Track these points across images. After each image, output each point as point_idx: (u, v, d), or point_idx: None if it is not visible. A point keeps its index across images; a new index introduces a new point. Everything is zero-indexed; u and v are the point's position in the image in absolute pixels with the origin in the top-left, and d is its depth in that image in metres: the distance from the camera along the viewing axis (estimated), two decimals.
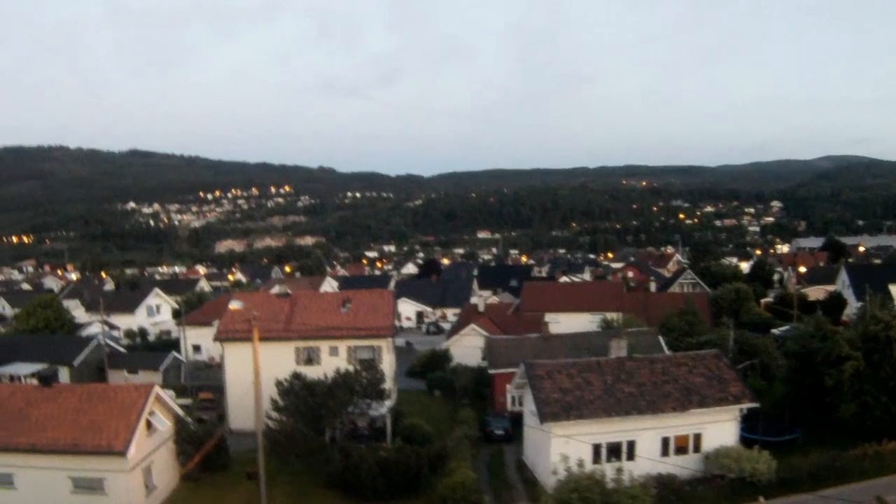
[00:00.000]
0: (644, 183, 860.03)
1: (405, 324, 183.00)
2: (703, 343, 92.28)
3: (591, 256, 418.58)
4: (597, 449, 60.50)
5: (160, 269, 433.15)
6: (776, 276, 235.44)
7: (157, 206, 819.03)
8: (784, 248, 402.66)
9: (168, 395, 70.65)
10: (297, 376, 74.47)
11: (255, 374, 54.08)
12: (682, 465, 61.84)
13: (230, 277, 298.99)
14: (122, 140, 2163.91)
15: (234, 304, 66.96)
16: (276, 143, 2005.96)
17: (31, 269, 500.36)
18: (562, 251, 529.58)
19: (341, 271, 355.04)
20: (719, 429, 64.15)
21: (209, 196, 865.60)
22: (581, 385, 64.13)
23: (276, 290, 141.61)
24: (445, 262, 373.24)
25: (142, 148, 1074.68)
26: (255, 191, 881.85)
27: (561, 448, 58.55)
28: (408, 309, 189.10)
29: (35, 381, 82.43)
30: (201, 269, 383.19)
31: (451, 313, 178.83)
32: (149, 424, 62.84)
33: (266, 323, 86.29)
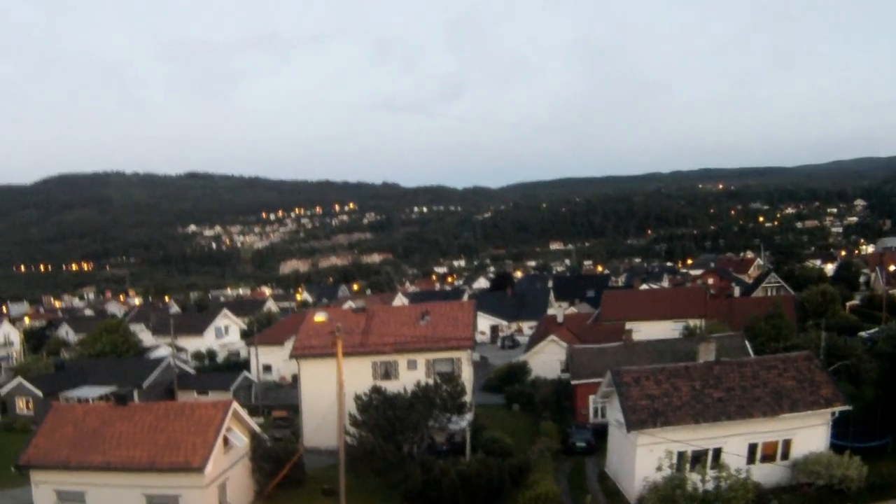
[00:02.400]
0: (720, 186, 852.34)
1: (479, 338, 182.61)
2: (792, 347, 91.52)
3: (669, 264, 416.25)
4: (682, 457, 60.44)
5: (225, 292, 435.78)
6: (862, 278, 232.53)
7: (218, 229, 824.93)
8: (869, 249, 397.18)
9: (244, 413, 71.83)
10: (376, 390, 75.37)
11: (338, 386, 55.01)
12: (768, 473, 61.60)
13: (297, 297, 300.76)
14: (179, 164, 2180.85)
15: (320, 316, 68.03)
16: (338, 162, 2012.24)
17: (91, 295, 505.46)
18: (637, 260, 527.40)
19: (411, 288, 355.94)
20: (809, 434, 63.17)
21: (272, 216, 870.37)
22: (669, 391, 64.02)
23: (348, 305, 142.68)
24: (518, 274, 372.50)
25: (200, 171, 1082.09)
26: (318, 209, 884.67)
27: (646, 457, 58.71)
28: (482, 323, 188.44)
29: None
30: (267, 290, 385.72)
31: (527, 326, 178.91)
32: (226, 441, 63.88)
33: (343, 338, 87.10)
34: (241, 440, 66.84)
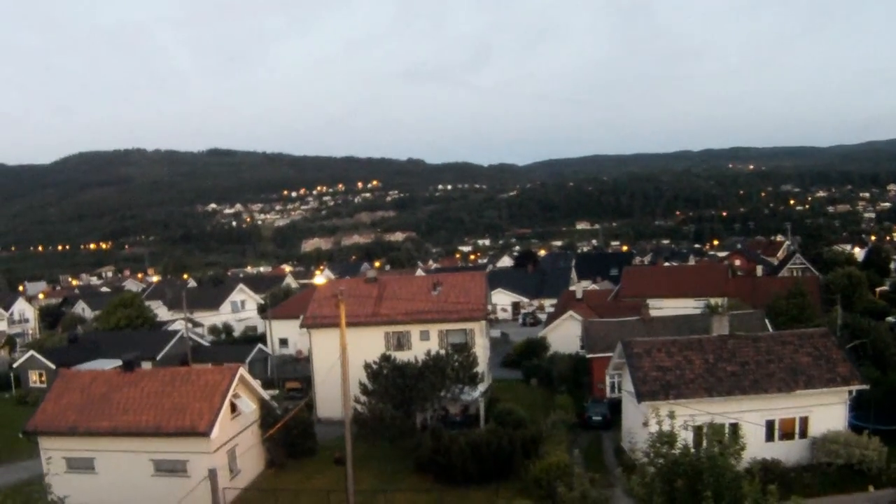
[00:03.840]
0: (752, 167, 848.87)
1: (501, 315, 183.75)
2: (813, 327, 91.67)
3: (697, 246, 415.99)
4: (697, 430, 60.66)
5: (245, 270, 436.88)
6: (893, 265, 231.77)
7: (239, 207, 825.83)
8: None
9: (254, 380, 72.69)
10: (386, 358, 76.35)
11: (342, 349, 55.29)
12: (788, 451, 62.00)
13: (318, 273, 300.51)
14: (202, 140, 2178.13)
15: (319, 280, 68.88)
16: (363, 136, 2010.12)
17: (110, 274, 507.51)
18: (665, 241, 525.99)
19: (434, 265, 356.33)
20: (827, 412, 63.49)
21: (293, 194, 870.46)
22: (681, 364, 64.53)
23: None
24: (542, 253, 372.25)
25: (222, 147, 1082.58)
26: (341, 187, 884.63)
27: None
28: (503, 300, 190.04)
29: None
30: (287, 268, 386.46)
31: (549, 304, 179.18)
32: (233, 407, 64.70)
33: (354, 308, 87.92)
34: (249, 407, 67.59)
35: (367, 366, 75.53)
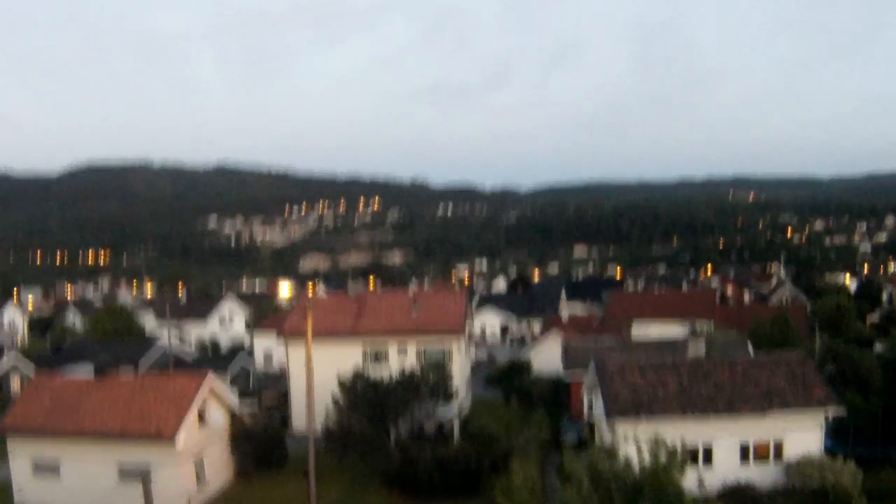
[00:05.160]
0: (752, 196, 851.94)
1: (489, 336, 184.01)
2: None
3: (692, 273, 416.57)
4: (684, 455, 60.24)
5: (241, 285, 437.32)
6: (885, 296, 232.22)
7: (240, 223, 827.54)
8: None
9: (228, 389, 72.34)
10: (359, 373, 75.76)
11: (307, 360, 54.89)
12: (762, 474, 61.55)
13: (309, 290, 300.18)
14: (210, 154, 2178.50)
15: (284, 289, 68.47)
16: (369, 154, 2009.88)
17: (106, 285, 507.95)
18: (661, 268, 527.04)
19: (427, 286, 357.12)
20: (802, 436, 62.82)
21: (294, 212, 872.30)
22: (654, 384, 63.89)
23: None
24: (537, 277, 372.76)
25: (229, 162, 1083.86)
26: (342, 207, 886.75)
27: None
28: (492, 321, 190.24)
29: None
30: (282, 284, 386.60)
31: (538, 326, 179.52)
32: (202, 417, 64.24)
33: (334, 322, 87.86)
34: (218, 415, 67.17)
35: (340, 380, 74.95)
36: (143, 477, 49.56)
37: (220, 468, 68.32)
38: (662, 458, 41.68)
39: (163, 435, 59.04)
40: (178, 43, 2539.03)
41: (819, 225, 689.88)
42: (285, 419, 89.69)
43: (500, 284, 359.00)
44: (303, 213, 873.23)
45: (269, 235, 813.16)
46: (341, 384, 74.98)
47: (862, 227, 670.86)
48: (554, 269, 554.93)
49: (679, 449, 53.04)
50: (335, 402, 73.93)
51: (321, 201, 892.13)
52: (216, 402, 67.61)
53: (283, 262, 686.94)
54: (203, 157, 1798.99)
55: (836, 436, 67.76)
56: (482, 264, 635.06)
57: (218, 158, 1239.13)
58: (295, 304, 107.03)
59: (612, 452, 40.52)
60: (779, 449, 62.99)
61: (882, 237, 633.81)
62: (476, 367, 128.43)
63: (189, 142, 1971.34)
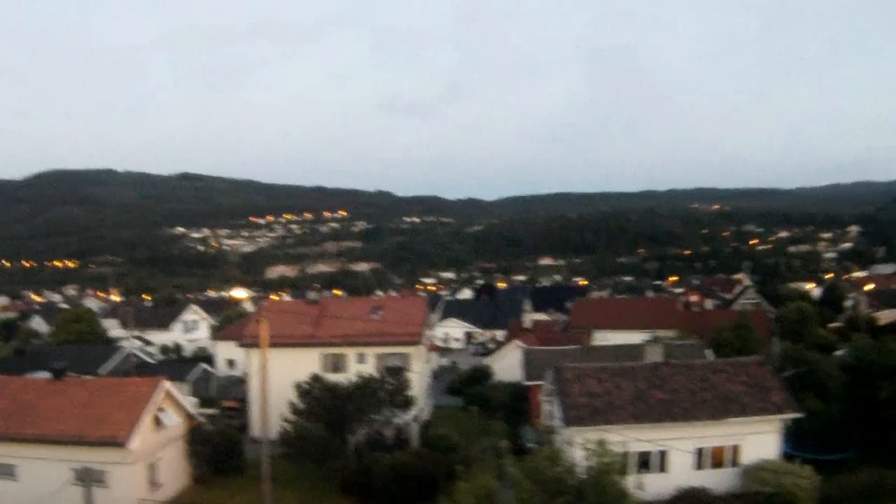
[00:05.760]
0: (716, 207, 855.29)
1: (453, 344, 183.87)
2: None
3: (657, 282, 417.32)
4: (627, 458, 60.22)
5: (207, 294, 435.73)
6: (848, 302, 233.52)
7: (206, 232, 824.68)
8: (860, 275, 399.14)
9: (187, 399, 71.93)
10: (317, 378, 75.48)
11: (262, 366, 54.68)
12: (718, 479, 61.62)
13: (275, 298, 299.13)
14: (174, 164, 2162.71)
15: (237, 293, 68.17)
16: (333, 166, 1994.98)
17: (73, 292, 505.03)
18: (628, 278, 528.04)
19: (394, 295, 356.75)
20: (759, 441, 63.07)
21: (261, 221, 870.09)
22: (611, 390, 63.96)
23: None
24: (503, 286, 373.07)
25: (193, 171, 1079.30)
26: (308, 215, 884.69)
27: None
28: (456, 330, 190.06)
29: None
30: (248, 293, 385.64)
31: (501, 334, 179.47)
32: (158, 421, 63.80)
33: (293, 328, 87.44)
34: (173, 420, 66.76)
35: (298, 385, 74.58)
36: (83, 479, 49.13)
37: (176, 473, 67.83)
38: (605, 462, 41.66)
39: (116, 438, 58.66)
40: (142, 53, 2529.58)
41: (783, 234, 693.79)
42: (244, 425, 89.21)
43: (466, 294, 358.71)
44: (269, 222, 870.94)
45: (235, 244, 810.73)
46: (299, 388, 74.57)
47: (826, 236, 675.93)
48: (520, 278, 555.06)
49: (629, 453, 53.33)
50: (293, 408, 73.48)
51: (287, 211, 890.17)
52: (172, 407, 67.20)
53: (250, 270, 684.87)
54: (167, 167, 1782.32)
55: (796, 440, 67.75)
56: (449, 274, 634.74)
57: (182, 168, 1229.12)
58: (256, 310, 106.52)
59: (555, 456, 40.44)
60: (735, 453, 63.23)
61: (845, 246, 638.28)
62: (439, 375, 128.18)
63: (151, 152, 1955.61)
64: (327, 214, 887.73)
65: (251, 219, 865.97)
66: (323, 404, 71.99)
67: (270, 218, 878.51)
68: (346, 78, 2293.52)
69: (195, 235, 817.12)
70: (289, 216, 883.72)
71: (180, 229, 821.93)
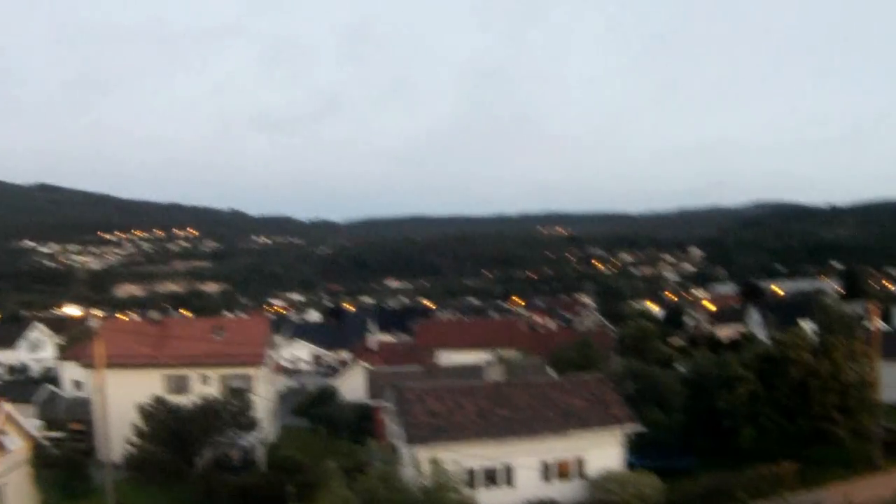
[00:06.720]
0: (564, 230, 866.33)
1: (302, 366, 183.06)
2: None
3: (503, 304, 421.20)
4: (473, 474, 60.53)
5: (54, 311, 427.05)
6: (690, 321, 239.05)
7: (57, 246, 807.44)
8: (701, 295, 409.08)
9: (31, 421, 70.17)
10: (160, 400, 74.26)
11: (99, 387, 53.53)
12: (566, 491, 62.51)
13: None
14: (34, 173, 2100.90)
15: (70, 310, 66.96)
16: (192, 183, 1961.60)
17: None
18: (473, 299, 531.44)
19: (239, 316, 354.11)
20: (603, 453, 64.79)
21: (113, 237, 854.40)
22: (453, 409, 64.30)
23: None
24: (351, 309, 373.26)
25: (52, 182, 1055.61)
26: (159, 233, 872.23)
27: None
28: (304, 351, 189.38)
29: None
30: (96, 312, 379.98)
31: (348, 356, 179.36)
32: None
33: (134, 348, 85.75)
34: (15, 444, 64.91)
35: (141, 408, 73.27)
36: None
37: (20, 498, 65.92)
38: (441, 480, 41.87)
39: None
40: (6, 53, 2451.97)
41: (628, 257, 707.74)
42: (91, 448, 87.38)
43: (315, 315, 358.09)
44: (119, 238, 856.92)
45: (84, 260, 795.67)
46: (142, 411, 73.28)
47: (669, 259, 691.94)
48: (368, 300, 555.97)
49: (474, 470, 53.58)
50: (137, 431, 72.21)
51: (139, 227, 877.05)
52: (14, 431, 65.34)
53: (99, 287, 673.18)
54: (25, 176, 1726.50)
55: (641, 451, 69.49)
56: (297, 296, 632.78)
57: (41, 178, 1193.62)
58: (99, 330, 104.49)
59: (387, 476, 40.53)
60: (580, 466, 64.63)
61: (688, 268, 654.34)
62: (286, 397, 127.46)
63: (8, 159, 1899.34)
64: (178, 232, 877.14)
65: (103, 234, 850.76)
66: (167, 427, 70.93)
67: (122, 234, 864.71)
68: (223, 91, 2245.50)
69: (44, 250, 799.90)
70: (140, 233, 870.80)
71: (31, 243, 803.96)
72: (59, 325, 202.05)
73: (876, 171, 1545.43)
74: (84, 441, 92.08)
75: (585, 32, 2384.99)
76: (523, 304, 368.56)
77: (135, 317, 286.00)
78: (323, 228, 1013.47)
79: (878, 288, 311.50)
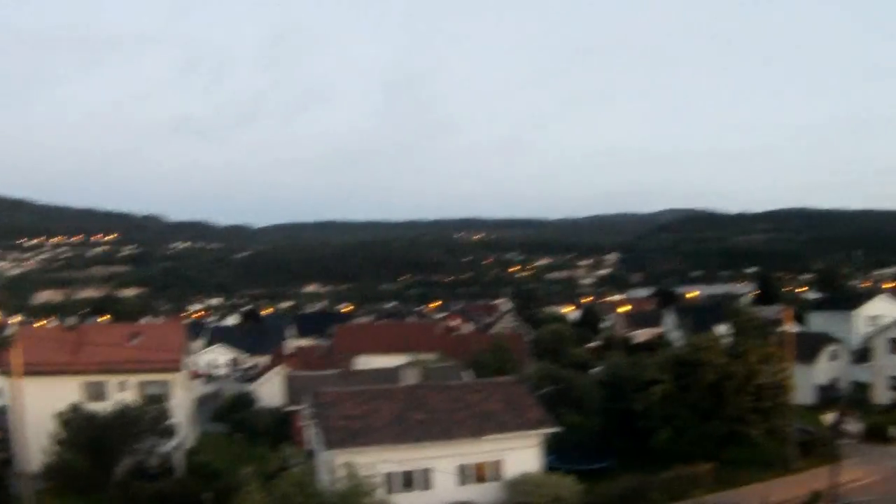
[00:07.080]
0: (480, 236, 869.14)
1: (219, 371, 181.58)
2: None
3: (420, 308, 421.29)
4: (390, 478, 60.42)
5: None
6: (605, 323, 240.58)
7: None
8: (617, 298, 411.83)
9: None
10: (76, 408, 73.34)
11: (13, 396, 52.81)
12: (483, 493, 62.66)
13: (43, 325, 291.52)
14: None
15: None
16: (110, 187, 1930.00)
17: None
18: (391, 304, 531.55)
19: (156, 321, 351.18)
20: (521, 455, 64.87)
21: (30, 242, 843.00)
22: (369, 412, 64.35)
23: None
24: (270, 313, 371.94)
25: None
26: (77, 238, 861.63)
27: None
28: (222, 356, 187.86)
29: None
30: (15, 319, 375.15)
31: (266, 360, 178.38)
32: None
33: (49, 355, 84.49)
34: None
35: (58, 415, 72.28)
36: None
37: None
38: (355, 484, 41.86)
39: None
40: None
41: (543, 262, 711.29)
42: (8, 458, 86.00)
43: (233, 320, 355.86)
44: (37, 244, 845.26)
45: (2, 265, 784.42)
46: (59, 419, 72.34)
47: (585, 263, 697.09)
48: (286, 305, 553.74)
49: (391, 473, 53.58)
50: (55, 439, 71.27)
51: (57, 232, 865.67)
52: None
53: (15, 293, 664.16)
54: None
55: (559, 453, 69.94)
56: (216, 300, 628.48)
57: None
58: (16, 337, 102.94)
59: (302, 481, 40.44)
60: (498, 469, 64.68)
61: (604, 272, 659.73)
62: (204, 402, 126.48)
63: None
64: (95, 238, 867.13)
65: (19, 240, 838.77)
66: (85, 435, 70.13)
67: (39, 240, 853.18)
68: (144, 96, 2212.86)
69: None
70: (58, 238, 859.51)
71: None
72: None
73: (787, 181, 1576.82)
74: (2, 451, 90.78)
75: (501, 42, 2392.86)
76: (441, 308, 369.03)
77: (53, 323, 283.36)
78: (240, 233, 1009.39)
79: (791, 292, 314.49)
